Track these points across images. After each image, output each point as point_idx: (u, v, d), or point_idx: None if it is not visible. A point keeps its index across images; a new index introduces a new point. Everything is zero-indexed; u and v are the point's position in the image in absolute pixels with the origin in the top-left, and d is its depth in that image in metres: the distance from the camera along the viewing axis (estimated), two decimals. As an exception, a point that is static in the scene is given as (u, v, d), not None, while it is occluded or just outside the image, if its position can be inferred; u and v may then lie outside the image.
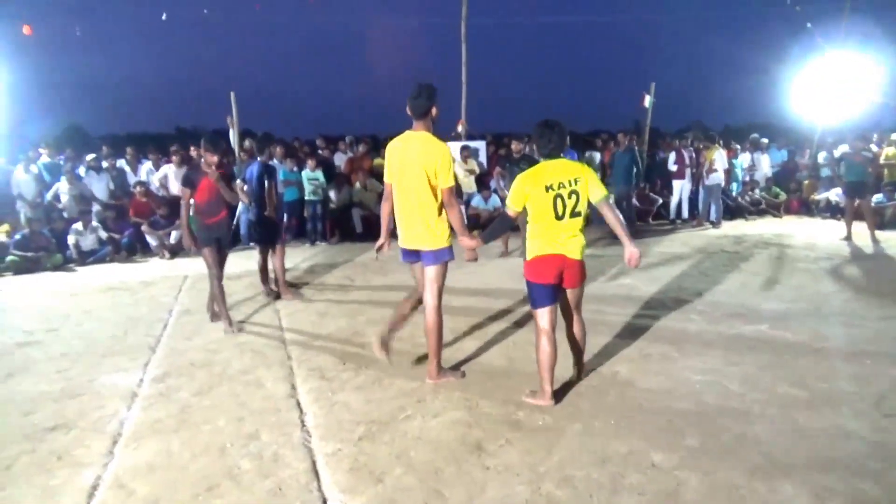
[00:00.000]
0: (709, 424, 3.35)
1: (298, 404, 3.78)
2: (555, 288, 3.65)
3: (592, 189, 3.57)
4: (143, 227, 9.66)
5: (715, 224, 11.10)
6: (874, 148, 10.70)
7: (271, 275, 6.59)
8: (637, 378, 4.03)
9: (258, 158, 6.62)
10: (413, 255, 3.97)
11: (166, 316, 5.92)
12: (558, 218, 3.52)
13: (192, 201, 5.18)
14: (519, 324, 5.29)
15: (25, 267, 8.55)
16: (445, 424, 3.44)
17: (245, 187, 6.83)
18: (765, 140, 13.48)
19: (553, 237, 3.56)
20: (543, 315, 3.64)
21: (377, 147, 11.74)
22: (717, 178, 11.08)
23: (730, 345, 4.61)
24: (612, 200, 3.70)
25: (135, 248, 9.79)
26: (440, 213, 3.84)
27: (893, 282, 6.59)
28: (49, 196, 9.84)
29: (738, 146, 13.21)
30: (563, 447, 3.14)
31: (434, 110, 3.80)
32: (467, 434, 3.31)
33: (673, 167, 11.55)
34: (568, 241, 3.57)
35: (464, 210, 10.94)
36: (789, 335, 4.78)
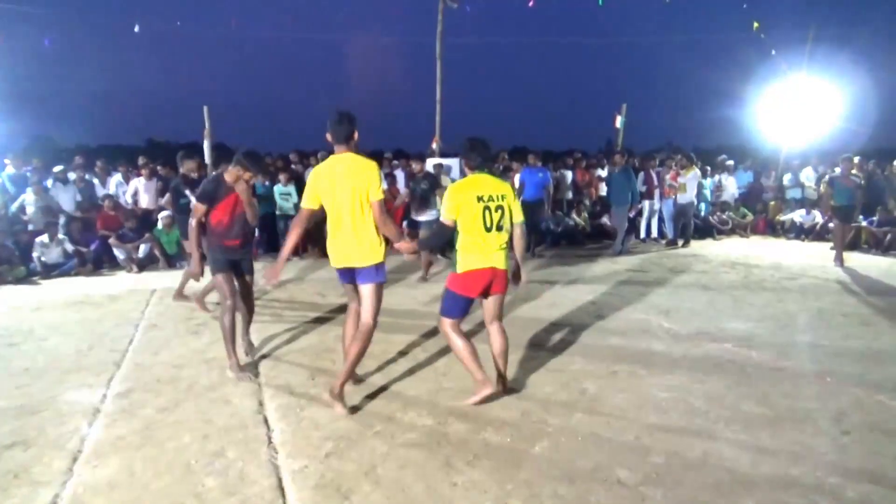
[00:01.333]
0: (674, 441, 3.40)
1: (266, 420, 3.74)
2: (471, 302, 3.90)
3: (515, 209, 3.88)
4: (111, 240, 9.50)
5: (685, 243, 11.30)
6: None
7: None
8: (605, 395, 4.07)
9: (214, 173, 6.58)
10: (349, 275, 3.94)
11: (132, 331, 5.82)
12: (487, 230, 3.75)
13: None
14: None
15: (-13, 280, 8.33)
16: (413, 441, 3.43)
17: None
18: (731, 162, 13.81)
19: (484, 249, 3.78)
20: (453, 323, 3.89)
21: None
22: (689, 197, 11.29)
23: (696, 363, 4.68)
24: (523, 227, 3.98)
25: (101, 262, 9.61)
26: (374, 229, 3.86)
27: (857, 302, 6.77)
28: (14, 207, 9.64)
29: (708, 167, 13.50)
30: (530, 464, 3.16)
31: (356, 135, 3.91)
32: (435, 451, 3.31)
33: (642, 188, 11.73)
34: (496, 252, 3.81)
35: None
36: (754, 354, 4.88)
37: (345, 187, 3.78)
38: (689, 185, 11.16)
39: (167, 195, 8.39)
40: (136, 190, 10.27)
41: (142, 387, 4.32)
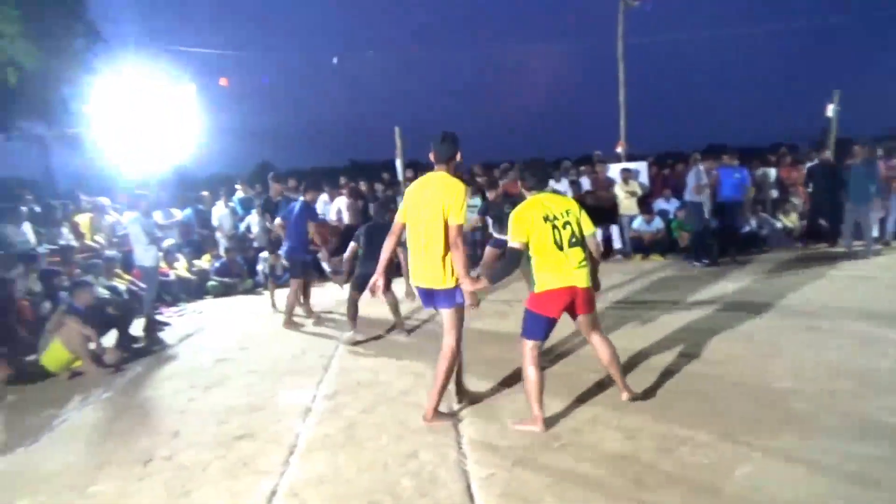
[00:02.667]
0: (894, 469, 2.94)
1: (456, 427, 3.88)
2: (554, 323, 3.77)
3: (584, 222, 3.83)
4: (320, 255, 10.49)
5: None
6: None
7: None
8: (817, 416, 3.64)
9: (301, 197, 7.14)
10: (428, 298, 3.94)
11: (338, 338, 6.37)
12: (559, 248, 3.68)
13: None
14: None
15: (223, 291, 9.66)
16: (602, 455, 3.35)
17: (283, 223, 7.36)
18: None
19: (561, 268, 3.70)
20: (533, 347, 3.76)
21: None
22: None
23: (938, 384, 4.01)
24: (599, 237, 3.89)
25: (313, 275, 10.65)
26: (450, 252, 3.77)
27: None
28: (242, 227, 11.06)
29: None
30: (731, 491, 2.92)
31: (458, 156, 3.94)
32: (624, 469, 3.19)
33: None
34: (576, 270, 3.71)
35: (623, 233, 10.65)
36: None
37: (430, 207, 3.79)
38: None
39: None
40: (339, 208, 11.24)
41: (345, 389, 4.71)
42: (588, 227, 3.84)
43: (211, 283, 9.78)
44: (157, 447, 3.89)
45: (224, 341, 6.65)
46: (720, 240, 9.54)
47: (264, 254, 10.26)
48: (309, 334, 6.67)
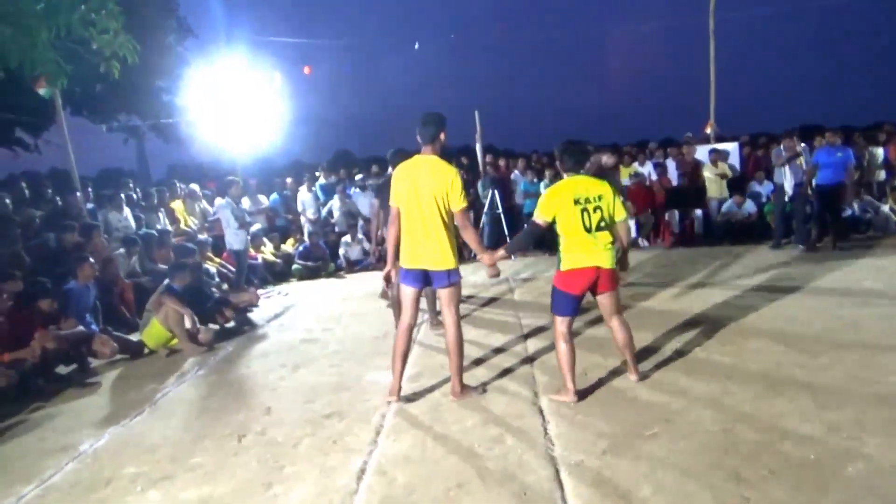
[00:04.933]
0: None
1: (541, 412, 3.82)
2: (579, 299, 3.94)
3: (617, 208, 3.92)
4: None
5: None
6: None
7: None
8: (941, 414, 3.35)
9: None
10: (416, 278, 4.02)
11: (419, 320, 6.40)
12: (587, 230, 3.80)
13: None
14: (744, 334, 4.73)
15: (307, 274, 9.95)
16: (696, 447, 3.20)
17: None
18: None
19: (587, 249, 3.82)
20: (562, 322, 3.92)
21: (620, 155, 11.44)
22: None
23: None
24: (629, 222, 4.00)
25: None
26: (451, 234, 3.94)
27: None
28: (324, 212, 11.34)
29: None
30: (841, 489, 2.72)
31: (442, 136, 3.98)
32: (722, 459, 3.04)
33: None
34: (601, 252, 3.83)
35: (710, 217, 10.20)
36: None
37: (425, 190, 3.85)
38: None
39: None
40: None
41: (429, 371, 4.73)
42: (620, 214, 3.95)
43: (295, 266, 10.09)
44: (250, 423, 4.03)
45: (309, 322, 6.84)
46: (819, 224, 8.96)
47: (346, 238, 10.49)
48: (390, 317, 6.74)
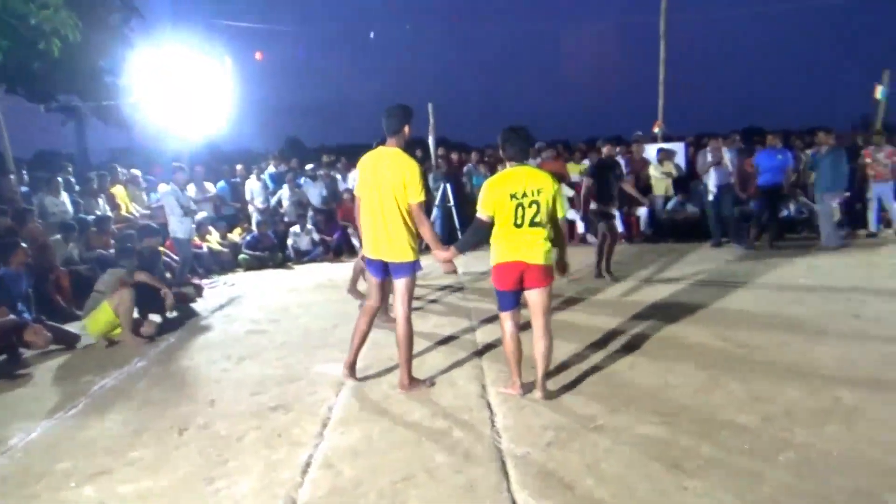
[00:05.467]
0: (963, 468, 2.84)
1: (489, 405, 3.85)
2: (515, 293, 3.80)
3: (558, 203, 3.74)
4: (350, 230, 10.52)
5: None
6: None
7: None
8: (865, 406, 3.53)
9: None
10: (379, 268, 4.09)
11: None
12: (517, 226, 3.66)
13: None
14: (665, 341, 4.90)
15: (254, 264, 9.76)
16: (638, 438, 3.29)
17: None
18: None
19: (514, 244, 3.70)
20: (505, 317, 3.86)
21: (570, 152, 11.63)
22: None
23: None
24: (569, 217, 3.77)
25: (342, 250, 10.70)
26: (409, 227, 3.94)
27: None
28: (273, 202, 11.13)
29: None
30: (773, 477, 2.84)
31: (406, 129, 3.98)
32: (663, 451, 3.13)
33: None
34: (528, 247, 3.69)
35: (654, 215, 10.46)
36: None
37: (384, 181, 3.88)
38: None
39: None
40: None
41: (378, 364, 4.71)
42: (560, 210, 3.79)
43: (242, 256, 9.88)
44: (192, 416, 3.93)
45: (256, 313, 6.71)
46: (758, 224, 9.32)
47: (295, 228, 10.34)
48: (340, 308, 6.68)
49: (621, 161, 11.01)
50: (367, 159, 4.08)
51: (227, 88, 12.58)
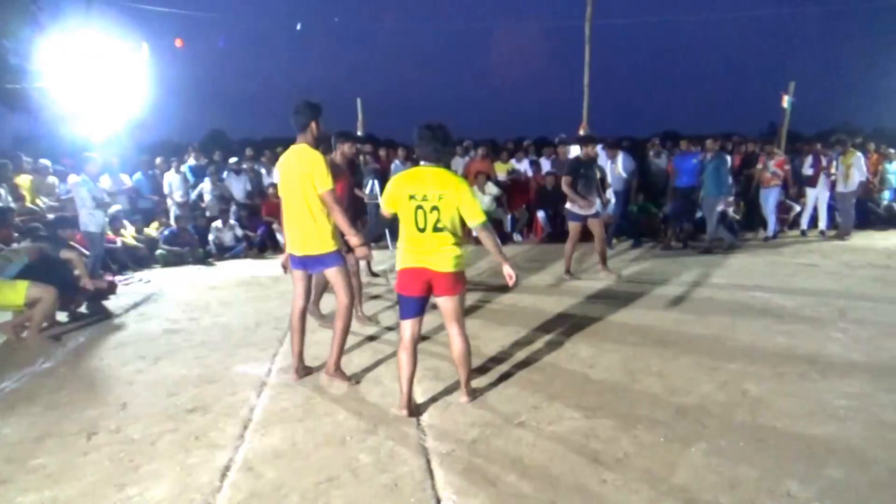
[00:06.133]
0: (855, 454, 3.04)
1: (415, 402, 3.84)
2: (418, 300, 3.57)
3: (464, 210, 3.45)
4: (275, 226, 10.27)
5: (842, 236, 10.16)
6: None
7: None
8: (770, 398, 3.74)
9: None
10: (301, 263, 4.11)
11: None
12: (420, 230, 3.44)
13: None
14: (644, 337, 5.08)
15: (172, 260, 9.36)
16: (561, 433, 3.36)
17: None
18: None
19: (417, 249, 3.49)
20: (404, 326, 3.62)
21: (497, 151, 11.77)
22: (851, 185, 10.14)
23: (881, 369, 4.17)
24: (486, 225, 3.53)
25: (266, 245, 10.44)
26: (322, 220, 3.97)
27: None
28: (194, 195, 10.73)
29: (892, 150, 12.00)
30: (686, 466, 2.97)
31: (314, 125, 3.99)
32: (584, 445, 3.22)
33: (809, 171, 10.63)
34: (432, 254, 3.47)
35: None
36: (954, 361, 4.26)
37: (295, 177, 3.94)
38: (854, 171, 10.00)
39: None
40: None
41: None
42: (473, 217, 3.46)
43: (160, 251, 9.46)
44: (102, 420, 3.72)
45: (173, 312, 6.44)
46: (674, 225, 9.72)
47: (217, 223, 10.00)
48: (263, 306, 6.51)
49: (546, 162, 11.28)
50: (282, 158, 4.11)
51: (144, 76, 12.01)
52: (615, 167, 9.74)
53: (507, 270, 3.56)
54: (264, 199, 10.79)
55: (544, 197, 10.85)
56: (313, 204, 3.94)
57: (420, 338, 3.69)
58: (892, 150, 11.94)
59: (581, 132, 11.81)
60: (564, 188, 7.18)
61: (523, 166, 11.50)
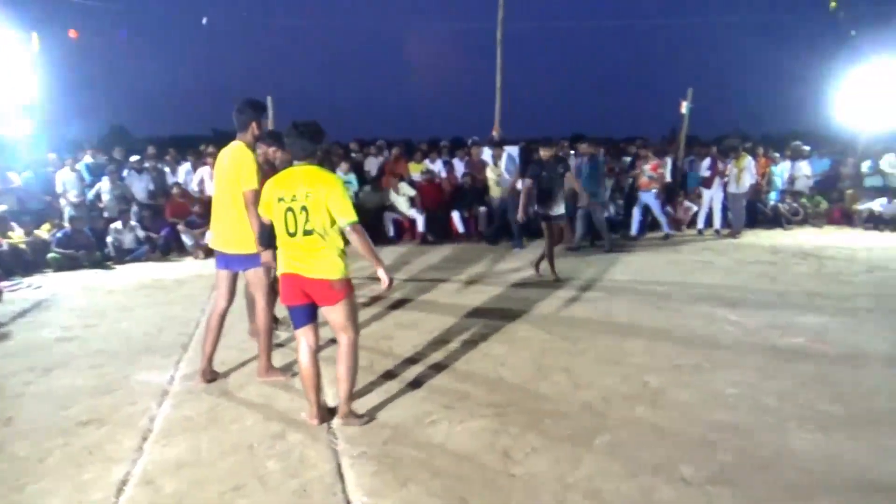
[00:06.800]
0: (743, 439, 3.26)
1: (325, 406, 3.78)
2: (304, 308, 3.37)
3: (334, 209, 3.18)
4: (179, 227, 9.85)
5: (734, 234, 10.90)
6: None
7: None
8: (668, 389, 3.95)
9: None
10: (224, 261, 4.10)
11: (199, 315, 6.00)
12: (290, 234, 3.24)
13: None
14: (544, 330, 5.23)
15: (66, 264, 8.78)
16: (472, 431, 3.41)
17: None
18: (806, 147, 13.17)
19: (289, 254, 3.30)
20: (299, 336, 3.46)
21: (410, 152, 11.79)
22: (743, 187, 10.88)
23: (765, 358, 4.49)
24: (352, 226, 3.22)
25: (170, 248, 9.98)
26: (240, 218, 3.94)
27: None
28: (90, 195, 10.11)
29: (777, 154, 12.94)
30: (591, 458, 3.09)
31: (255, 125, 3.96)
32: (494, 441, 3.28)
33: (706, 173, 11.29)
34: (303, 259, 3.26)
35: (493, 215, 10.91)
36: (828, 349, 4.63)
37: (224, 174, 3.97)
38: (745, 174, 10.74)
39: None
40: (202, 178, 10.57)
41: (207, 369, 4.44)
42: (344, 216, 3.20)
43: (52, 254, 8.84)
44: (-17, 437, 3.45)
45: (67, 319, 6.04)
46: (584, 225, 10.05)
47: (116, 224, 9.48)
48: (167, 311, 6.23)
49: (459, 163, 11.38)
50: (218, 157, 4.11)
51: (33, 68, 11.21)
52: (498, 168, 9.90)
53: (381, 275, 3.33)
54: (168, 200, 10.33)
55: (459, 197, 10.96)
56: (240, 202, 3.88)
57: (318, 346, 3.51)
58: (776, 155, 12.86)
59: (494, 134, 12.00)
60: (522, 194, 7.21)
61: (437, 167, 11.58)
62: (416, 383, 4.12)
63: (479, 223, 10.94)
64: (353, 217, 3.22)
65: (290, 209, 3.21)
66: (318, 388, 3.52)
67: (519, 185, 9.67)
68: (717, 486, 2.80)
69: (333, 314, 3.34)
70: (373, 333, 5.25)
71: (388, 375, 4.25)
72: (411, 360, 4.54)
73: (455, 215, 10.87)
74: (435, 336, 5.12)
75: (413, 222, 10.66)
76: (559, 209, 7.18)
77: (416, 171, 11.28)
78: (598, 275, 7.59)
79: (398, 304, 6.26)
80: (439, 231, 10.85)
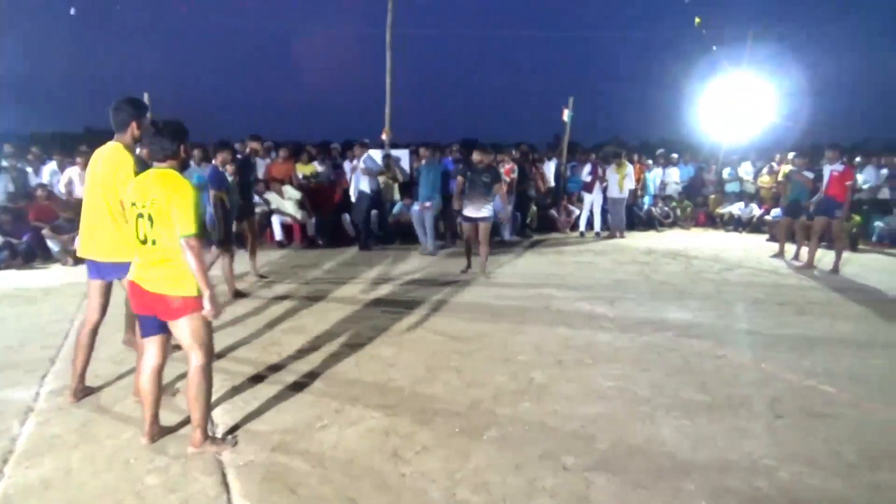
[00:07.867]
0: (618, 428, 3.49)
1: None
2: (149, 319, 3.16)
3: (177, 217, 2.92)
4: (45, 232, 9.09)
5: (619, 235, 11.64)
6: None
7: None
8: (552, 384, 4.14)
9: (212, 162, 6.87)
10: (97, 270, 3.83)
11: (68, 326, 5.57)
12: (142, 242, 3.04)
13: None
14: (429, 329, 5.31)
15: None
16: (362, 433, 3.42)
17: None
18: (675, 155, 14.24)
19: (139, 262, 3.10)
20: (140, 345, 3.31)
21: (298, 153, 11.57)
22: (624, 193, 11.62)
23: (640, 352, 4.81)
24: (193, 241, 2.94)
25: (34, 254, 9.19)
26: (115, 224, 3.70)
27: (792, 292, 7.07)
28: (-61, 197, 9.13)
29: (650, 161, 13.89)
30: (479, 453, 3.19)
31: (135, 125, 3.72)
32: (384, 442, 3.30)
33: (587, 178, 11.90)
34: (143, 268, 3.07)
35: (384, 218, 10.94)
36: (695, 343, 5.04)
37: (97, 176, 3.72)
38: (620, 180, 11.48)
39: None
40: (71, 179, 9.83)
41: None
42: (182, 226, 2.92)
43: None
44: None
45: None
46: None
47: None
48: (29, 322, 5.74)
49: (348, 165, 11.29)
50: (92, 158, 3.80)
51: None
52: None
53: (205, 302, 3.01)
54: (31, 202, 9.51)
55: (349, 202, 10.87)
56: (114, 206, 3.62)
57: (164, 361, 3.28)
58: (650, 162, 13.80)
59: (384, 137, 12.01)
60: (456, 188, 7.81)
61: (327, 170, 11.44)
62: (304, 388, 4.06)
63: (309, 229, 10.75)
64: (192, 230, 2.93)
65: (140, 215, 3.01)
66: (155, 404, 3.28)
67: (365, 187, 9.90)
68: (595, 473, 2.99)
69: (176, 330, 3.11)
70: (260, 340, 5.11)
71: (277, 382, 4.16)
72: (299, 366, 4.46)
73: (346, 218, 10.78)
74: (323, 340, 5.06)
75: (303, 226, 10.45)
76: (475, 212, 7.66)
77: (303, 171, 11.09)
78: (485, 276, 7.79)
79: (285, 310, 6.13)
80: (332, 234, 10.71)
